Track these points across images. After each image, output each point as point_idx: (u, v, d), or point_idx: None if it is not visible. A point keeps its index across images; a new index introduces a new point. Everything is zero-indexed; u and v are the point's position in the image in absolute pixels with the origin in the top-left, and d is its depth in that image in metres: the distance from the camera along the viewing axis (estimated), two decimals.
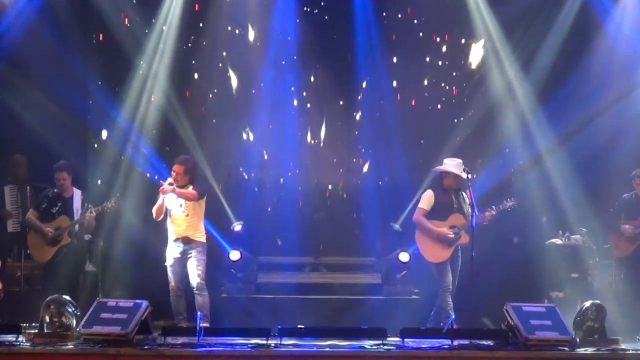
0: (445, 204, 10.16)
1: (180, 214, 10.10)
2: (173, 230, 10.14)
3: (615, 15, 12.30)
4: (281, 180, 12.85)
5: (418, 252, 10.65)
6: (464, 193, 10.22)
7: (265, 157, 12.89)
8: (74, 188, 10.73)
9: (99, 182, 12.13)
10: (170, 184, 10.02)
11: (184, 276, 10.13)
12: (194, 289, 10.05)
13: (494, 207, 10.14)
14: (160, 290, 10.41)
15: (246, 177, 12.84)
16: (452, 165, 10.18)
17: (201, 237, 10.18)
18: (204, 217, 10.31)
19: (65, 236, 10.53)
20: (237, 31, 12.70)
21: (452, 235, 10.07)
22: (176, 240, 10.10)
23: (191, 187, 10.15)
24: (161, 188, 10.01)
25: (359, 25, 12.61)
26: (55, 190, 10.66)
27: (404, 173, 12.67)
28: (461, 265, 10.12)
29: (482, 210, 10.05)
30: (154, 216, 10.20)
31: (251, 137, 12.84)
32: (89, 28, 12.40)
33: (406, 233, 12.08)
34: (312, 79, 12.83)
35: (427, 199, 10.25)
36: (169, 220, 10.19)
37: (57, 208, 10.60)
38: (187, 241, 10.08)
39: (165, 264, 10.16)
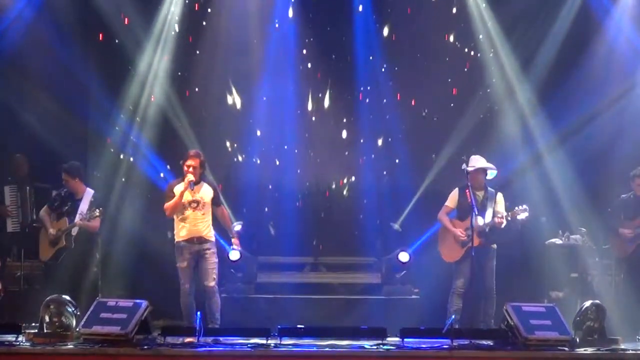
0: (466, 204, 10.08)
1: (196, 212, 9.86)
2: (186, 229, 9.85)
3: (615, 15, 12.31)
4: (281, 180, 12.85)
5: (418, 251, 10.75)
6: (499, 193, 10.28)
7: (266, 161, 12.88)
8: (87, 189, 10.64)
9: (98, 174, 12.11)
10: (192, 182, 9.75)
11: (195, 277, 9.89)
12: (207, 292, 9.81)
13: (504, 214, 10.09)
14: (159, 290, 10.41)
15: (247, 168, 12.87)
16: (475, 161, 10.20)
17: (213, 236, 9.99)
18: None
19: (63, 239, 10.44)
20: (236, 30, 12.69)
21: (464, 238, 10.08)
22: (189, 240, 9.83)
23: (205, 184, 9.97)
24: (190, 180, 9.71)
25: (358, 25, 12.63)
26: (68, 190, 10.60)
27: (404, 173, 12.68)
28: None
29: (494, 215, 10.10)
30: (168, 213, 9.89)
31: (250, 138, 12.85)
32: (89, 28, 12.39)
33: (406, 233, 12.14)
34: (311, 79, 12.83)
35: (451, 197, 10.37)
36: (180, 220, 9.88)
37: (66, 208, 10.54)
38: (202, 241, 9.84)
39: (178, 265, 9.87)
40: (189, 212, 9.87)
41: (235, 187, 12.63)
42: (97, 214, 10.37)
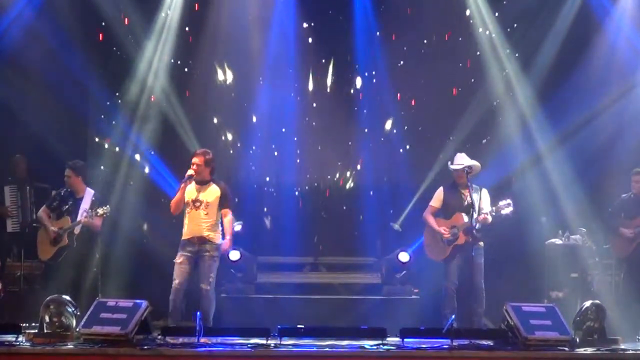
0: (451, 202, 10.22)
1: (198, 212, 9.78)
2: (188, 228, 9.80)
3: (615, 15, 12.32)
4: (281, 180, 12.86)
5: (418, 251, 10.76)
6: (483, 189, 10.27)
7: (265, 160, 12.89)
8: (87, 189, 10.62)
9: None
10: (190, 176, 9.75)
11: (190, 276, 9.80)
12: (201, 294, 9.73)
13: (487, 210, 10.10)
14: (160, 290, 10.37)
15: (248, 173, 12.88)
16: (457, 159, 10.24)
17: (217, 238, 9.84)
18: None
19: (65, 238, 10.42)
20: (237, 30, 12.69)
21: (449, 236, 10.12)
22: (190, 239, 9.77)
23: (214, 185, 9.88)
24: (189, 174, 9.68)
25: (358, 25, 12.64)
26: (68, 189, 10.59)
27: (404, 173, 12.69)
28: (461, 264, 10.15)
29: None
30: (172, 209, 9.85)
31: (250, 138, 12.85)
32: (89, 28, 12.40)
33: (406, 233, 12.14)
34: (311, 79, 12.84)
35: (436, 196, 10.39)
36: (184, 218, 9.83)
37: (67, 207, 10.52)
38: (202, 241, 9.75)
39: (175, 260, 9.78)
40: (191, 211, 9.82)
41: (235, 186, 12.61)
42: (102, 212, 10.36)
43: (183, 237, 9.87)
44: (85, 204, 10.47)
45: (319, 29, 12.73)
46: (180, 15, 12.49)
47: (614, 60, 12.35)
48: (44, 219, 10.56)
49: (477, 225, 10.03)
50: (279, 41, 12.63)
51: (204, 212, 9.82)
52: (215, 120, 12.82)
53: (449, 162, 10.39)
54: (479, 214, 10.03)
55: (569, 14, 12.37)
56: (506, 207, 10.07)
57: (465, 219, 10.08)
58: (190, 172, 9.79)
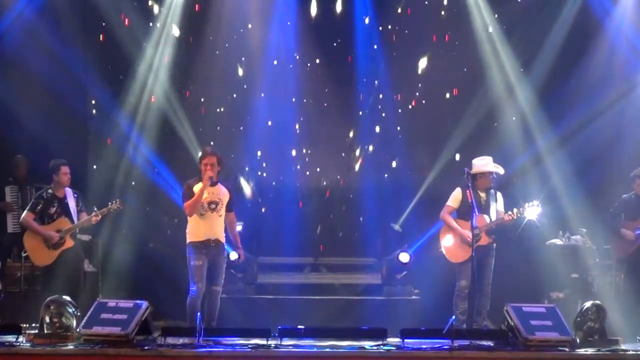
0: (470, 204, 10.02)
1: (214, 214, 9.65)
2: (203, 231, 9.62)
3: (615, 16, 12.33)
4: (281, 181, 12.87)
5: (419, 251, 10.71)
6: (498, 192, 10.26)
7: (265, 161, 12.90)
8: (66, 187, 10.49)
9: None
10: (211, 179, 9.58)
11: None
12: (212, 294, 9.64)
13: (514, 210, 10.10)
14: (160, 291, 10.40)
15: (247, 179, 12.88)
16: (486, 164, 10.16)
17: (224, 238, 9.85)
18: None
19: (68, 239, 10.27)
20: (237, 30, 12.71)
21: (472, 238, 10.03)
22: (206, 241, 9.60)
23: (222, 186, 9.76)
24: (209, 175, 9.51)
25: (359, 25, 12.65)
26: (50, 191, 10.41)
27: (404, 173, 12.69)
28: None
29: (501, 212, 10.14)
30: (189, 212, 9.60)
31: (250, 139, 12.85)
32: (89, 28, 12.40)
33: (406, 233, 12.14)
34: (312, 79, 12.83)
35: (455, 196, 10.21)
36: (197, 220, 9.63)
37: (54, 209, 10.34)
38: (217, 243, 9.65)
39: (193, 263, 9.54)
40: (206, 213, 9.66)
41: (236, 187, 12.64)
42: (115, 206, 10.34)
43: (196, 239, 9.64)
44: (71, 203, 10.40)
45: (319, 31, 12.73)
46: (180, 14, 12.48)
47: (614, 61, 12.36)
48: (33, 225, 10.29)
49: (494, 226, 10.06)
50: (280, 40, 12.64)
51: (218, 214, 9.70)
52: (215, 121, 12.80)
53: (474, 162, 10.17)
54: (499, 215, 10.05)
55: (569, 14, 12.38)
56: (532, 207, 10.06)
57: (487, 219, 10.04)
58: (210, 174, 9.58)
